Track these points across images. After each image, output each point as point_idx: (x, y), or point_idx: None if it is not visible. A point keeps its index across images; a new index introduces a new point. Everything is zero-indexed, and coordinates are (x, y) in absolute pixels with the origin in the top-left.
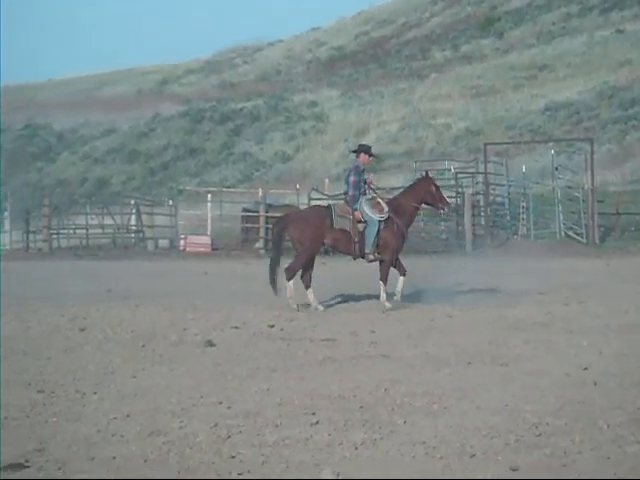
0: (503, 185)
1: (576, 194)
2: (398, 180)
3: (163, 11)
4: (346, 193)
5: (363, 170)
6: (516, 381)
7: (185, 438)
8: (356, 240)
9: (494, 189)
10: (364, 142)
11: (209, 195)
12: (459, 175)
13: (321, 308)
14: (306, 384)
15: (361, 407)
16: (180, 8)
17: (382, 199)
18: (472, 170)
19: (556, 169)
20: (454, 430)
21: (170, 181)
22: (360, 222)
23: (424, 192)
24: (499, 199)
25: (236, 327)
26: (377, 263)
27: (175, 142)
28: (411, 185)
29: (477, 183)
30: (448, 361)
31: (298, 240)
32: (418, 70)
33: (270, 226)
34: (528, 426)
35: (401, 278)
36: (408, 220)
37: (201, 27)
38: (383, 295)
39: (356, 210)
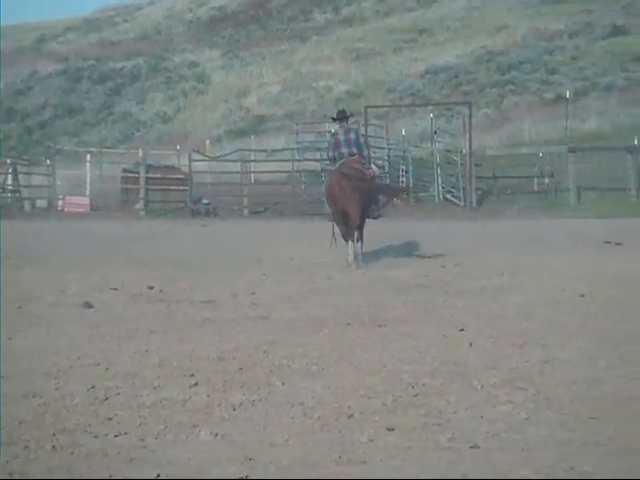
0: (383, 148)
1: (454, 157)
2: (279, 142)
3: None
4: (355, 154)
5: None
6: (394, 342)
7: (61, 400)
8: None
9: (374, 152)
10: (245, 104)
11: (88, 155)
12: None
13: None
14: (185, 346)
15: (240, 369)
16: None
17: None
18: None
19: (435, 133)
20: (332, 391)
21: (48, 140)
22: None
23: None
24: (379, 162)
25: (115, 289)
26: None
27: (53, 101)
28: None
29: None
30: (327, 322)
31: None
32: (299, 32)
33: (151, 187)
34: (405, 386)
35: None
36: None
37: None
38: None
39: (370, 168)
